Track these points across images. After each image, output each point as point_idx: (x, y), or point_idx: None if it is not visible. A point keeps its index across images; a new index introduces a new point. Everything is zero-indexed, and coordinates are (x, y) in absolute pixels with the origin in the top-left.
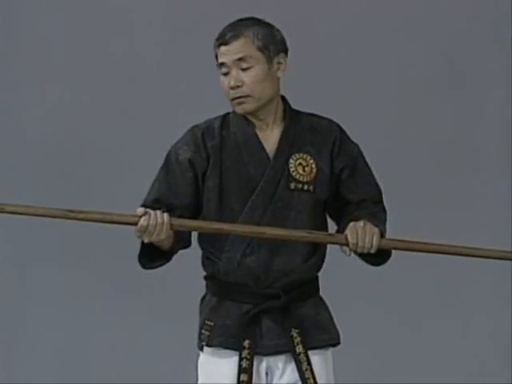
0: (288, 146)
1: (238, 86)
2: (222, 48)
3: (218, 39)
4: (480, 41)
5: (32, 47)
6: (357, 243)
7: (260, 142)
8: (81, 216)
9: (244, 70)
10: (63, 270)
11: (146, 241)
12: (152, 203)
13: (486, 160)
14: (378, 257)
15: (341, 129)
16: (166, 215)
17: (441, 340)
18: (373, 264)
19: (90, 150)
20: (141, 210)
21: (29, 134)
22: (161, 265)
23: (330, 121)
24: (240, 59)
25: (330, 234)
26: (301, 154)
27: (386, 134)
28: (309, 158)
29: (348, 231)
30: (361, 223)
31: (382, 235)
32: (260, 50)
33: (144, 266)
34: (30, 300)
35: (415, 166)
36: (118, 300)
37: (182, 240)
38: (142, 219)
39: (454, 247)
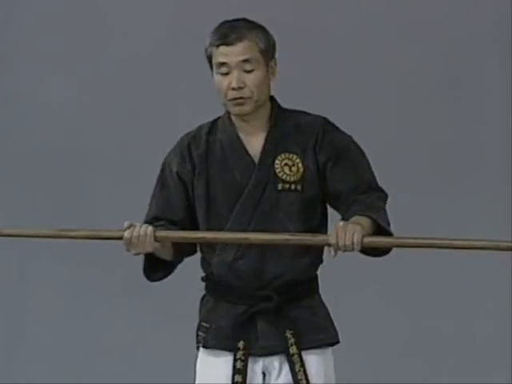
0: (273, 147)
1: (240, 88)
2: (223, 48)
3: (218, 39)
4: (480, 41)
5: (32, 48)
6: (337, 243)
7: (244, 147)
8: (71, 234)
9: (247, 71)
10: (64, 269)
11: (133, 253)
12: (152, 221)
13: (486, 161)
14: (375, 250)
15: (326, 122)
16: (149, 228)
17: (441, 340)
18: (372, 256)
19: (89, 152)
20: (126, 224)
21: (26, 139)
22: (165, 276)
23: (316, 116)
24: (244, 61)
25: (312, 235)
26: (286, 154)
27: (386, 135)
28: (295, 157)
29: (329, 232)
30: (341, 223)
31: (384, 230)
32: (261, 52)
33: (148, 278)
34: (31, 299)
35: (414, 166)
36: (118, 299)
37: (183, 249)
38: (126, 232)
39: (442, 240)
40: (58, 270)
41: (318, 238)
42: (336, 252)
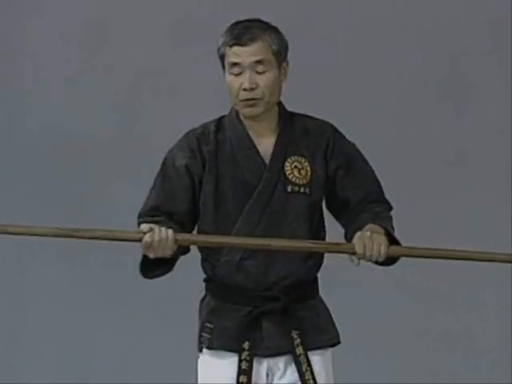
0: (283, 149)
1: (252, 89)
2: (237, 48)
3: (232, 39)
4: (480, 41)
5: (33, 48)
6: (364, 253)
7: (255, 146)
8: (86, 235)
9: (259, 73)
10: (64, 271)
11: (151, 257)
12: (150, 211)
13: (486, 161)
14: (387, 259)
15: (334, 129)
16: (170, 231)
17: (441, 340)
18: (381, 265)
19: (90, 152)
20: (146, 227)
21: (28, 137)
22: (162, 274)
23: (324, 122)
24: (257, 62)
25: (337, 244)
26: (296, 157)
27: (386, 135)
28: (303, 160)
29: (355, 241)
30: (367, 233)
31: (396, 240)
32: (274, 54)
33: (145, 276)
34: (31, 302)
35: (416, 167)
36: (118, 301)
37: (182, 248)
38: (147, 236)
39: (463, 252)
40: (58, 271)
41: (343, 247)
42: (359, 261)
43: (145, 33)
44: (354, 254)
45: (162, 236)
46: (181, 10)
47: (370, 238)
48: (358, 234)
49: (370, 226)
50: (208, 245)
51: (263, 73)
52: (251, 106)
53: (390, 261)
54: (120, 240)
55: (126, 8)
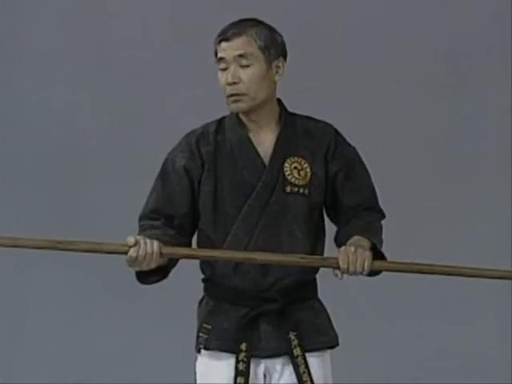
0: (283, 150)
1: (234, 83)
2: (223, 44)
3: (219, 35)
4: (480, 41)
5: (34, 51)
6: (348, 268)
7: (254, 147)
8: (70, 247)
9: (243, 67)
10: (63, 273)
11: (136, 270)
12: (150, 214)
13: (486, 161)
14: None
15: (336, 132)
16: (155, 245)
17: (440, 341)
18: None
19: (91, 156)
20: (131, 241)
21: (29, 143)
22: (159, 280)
23: (326, 124)
24: (240, 56)
25: (322, 258)
26: (296, 158)
27: (386, 135)
28: (303, 162)
29: (340, 256)
30: (352, 248)
31: (382, 255)
32: (261, 49)
33: (141, 282)
34: (31, 302)
35: (415, 168)
36: (117, 302)
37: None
38: (132, 250)
39: (449, 267)
40: (57, 275)
41: (328, 262)
42: (343, 275)
43: (144, 32)
44: (338, 268)
45: (146, 250)
46: (180, 9)
47: (354, 254)
48: (343, 248)
49: (356, 238)
50: (193, 258)
51: (247, 66)
52: (235, 101)
53: (375, 272)
54: (105, 253)
55: (125, 8)
